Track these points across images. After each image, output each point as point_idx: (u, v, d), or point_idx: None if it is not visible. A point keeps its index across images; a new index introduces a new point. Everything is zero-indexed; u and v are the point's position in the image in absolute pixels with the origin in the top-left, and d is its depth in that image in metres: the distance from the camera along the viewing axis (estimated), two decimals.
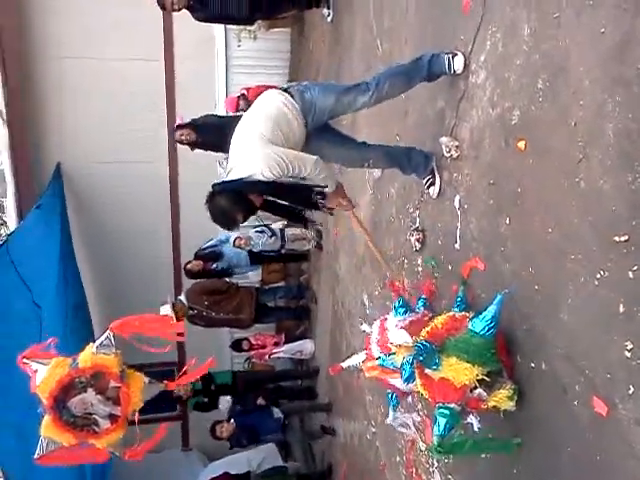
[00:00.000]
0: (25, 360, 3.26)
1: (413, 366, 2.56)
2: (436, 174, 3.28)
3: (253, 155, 2.94)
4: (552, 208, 2.32)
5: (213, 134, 5.37)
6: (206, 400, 6.28)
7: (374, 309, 4.41)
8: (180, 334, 4.02)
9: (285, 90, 3.11)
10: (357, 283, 4.94)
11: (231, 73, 6.94)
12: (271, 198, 3.26)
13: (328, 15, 5.58)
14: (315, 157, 3.02)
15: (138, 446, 3.39)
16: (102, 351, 3.22)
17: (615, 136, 1.99)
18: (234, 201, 2.97)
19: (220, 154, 5.08)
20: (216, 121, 5.64)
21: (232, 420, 5.86)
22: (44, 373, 3.15)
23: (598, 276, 2.06)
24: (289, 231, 6.57)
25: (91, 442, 3.18)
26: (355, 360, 3.18)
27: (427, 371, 2.55)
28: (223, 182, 3.05)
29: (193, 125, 5.57)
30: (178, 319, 6.05)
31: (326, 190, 3.20)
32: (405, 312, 2.88)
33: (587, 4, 2.10)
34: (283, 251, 6.49)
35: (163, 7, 5.39)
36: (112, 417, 3.20)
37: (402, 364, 2.62)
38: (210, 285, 6.26)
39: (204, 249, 6.51)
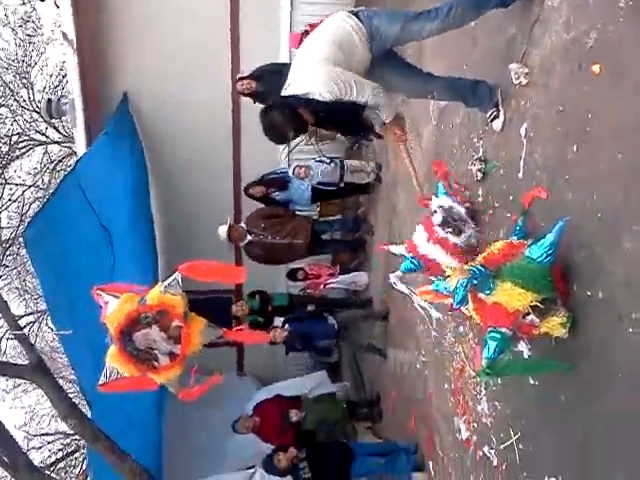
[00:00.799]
0: (99, 292, 3.49)
1: (467, 289, 2.60)
2: (500, 107, 3.21)
3: (312, 74, 2.96)
4: (624, 133, 2.26)
5: (274, 80, 5.42)
6: (261, 320, 6.47)
7: None
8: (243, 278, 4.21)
9: (354, 14, 3.07)
10: (415, 216, 4.94)
11: (296, 2, 6.84)
12: (324, 115, 3.23)
13: None
14: (375, 84, 3.02)
15: (192, 388, 3.64)
16: (170, 291, 3.42)
17: None
18: (287, 117, 3.03)
19: None
20: (275, 67, 5.71)
21: (286, 325, 5.97)
22: (114, 306, 3.37)
23: None
24: (348, 162, 6.56)
25: (150, 376, 3.42)
26: (398, 250, 3.39)
27: (480, 295, 2.59)
28: (279, 97, 3.09)
29: (253, 76, 5.68)
30: (233, 242, 6.28)
31: (383, 119, 3.21)
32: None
33: None
34: (342, 184, 6.50)
35: None
36: (172, 355, 3.41)
37: (456, 287, 2.66)
38: (268, 210, 6.39)
39: (271, 174, 6.60)
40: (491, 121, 3.30)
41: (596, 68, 2.43)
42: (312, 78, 2.95)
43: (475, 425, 3.69)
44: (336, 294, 7.54)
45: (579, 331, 2.51)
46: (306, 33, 5.99)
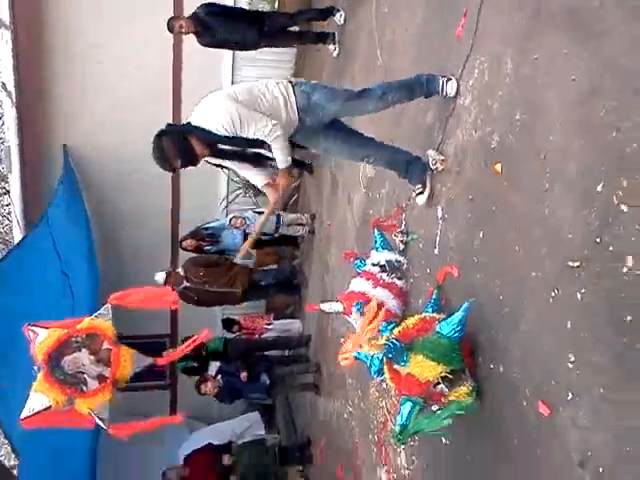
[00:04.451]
0: (30, 327, 3.52)
1: (383, 362, 2.86)
2: (427, 185, 3.43)
3: (214, 108, 3.07)
4: (520, 229, 2.58)
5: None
6: (196, 365, 6.49)
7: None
8: (174, 303, 4.27)
9: (292, 85, 3.24)
10: (345, 273, 5.20)
11: (237, 65, 7.10)
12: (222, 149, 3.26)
13: (334, 50, 5.78)
14: (275, 122, 3.08)
15: (126, 424, 3.63)
16: (100, 317, 3.50)
17: (577, 173, 2.24)
18: (177, 146, 3.04)
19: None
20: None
21: (219, 377, 6.01)
22: (44, 334, 3.40)
23: (553, 294, 2.33)
24: (284, 215, 6.81)
25: (77, 401, 3.42)
26: (334, 307, 3.78)
27: (395, 366, 2.84)
28: (175, 124, 3.19)
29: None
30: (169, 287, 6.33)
31: (279, 165, 3.27)
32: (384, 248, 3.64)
33: (563, 52, 2.34)
34: (277, 235, 6.73)
35: (171, 30, 5.49)
36: (101, 378, 3.42)
37: (372, 358, 2.92)
38: (207, 259, 6.52)
39: (205, 228, 6.75)
40: (416, 196, 3.52)
41: (498, 167, 2.76)
42: (212, 111, 3.06)
43: (395, 476, 3.91)
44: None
45: (483, 400, 2.78)
46: None
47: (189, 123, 3.10)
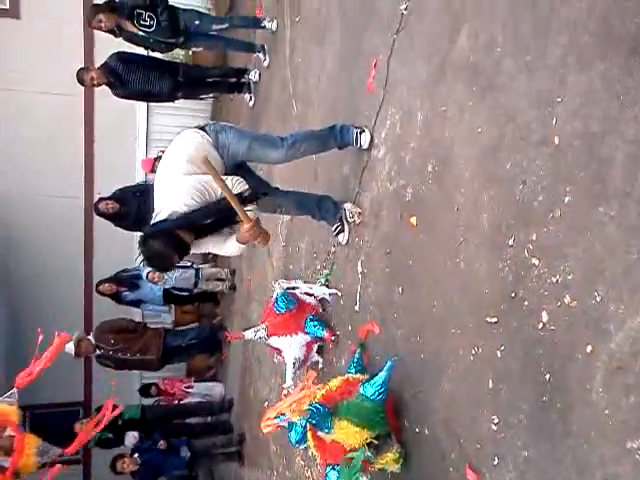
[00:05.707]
0: None
1: (306, 429, 2.66)
2: (344, 222, 3.37)
3: (175, 192, 2.91)
4: (437, 283, 2.50)
5: (134, 200, 5.64)
6: (111, 436, 6.00)
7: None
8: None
9: (201, 128, 3.12)
10: None
11: (152, 114, 6.97)
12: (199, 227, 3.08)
13: (250, 99, 5.79)
14: (236, 177, 2.99)
15: None
16: (5, 401, 3.15)
17: (489, 226, 2.19)
18: (167, 242, 2.86)
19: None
20: (135, 188, 5.93)
21: (136, 455, 5.59)
22: None
23: (473, 352, 2.24)
24: (203, 270, 6.57)
25: None
26: (258, 334, 3.63)
27: (320, 433, 2.65)
28: (153, 224, 2.95)
29: (115, 197, 5.78)
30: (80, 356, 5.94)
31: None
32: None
33: (469, 104, 2.32)
34: (196, 290, 6.47)
35: (82, 83, 5.29)
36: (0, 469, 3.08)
37: (294, 426, 2.71)
38: (117, 325, 6.10)
39: (125, 272, 6.43)
40: (336, 235, 3.43)
41: (413, 220, 2.70)
42: (175, 195, 2.89)
43: None
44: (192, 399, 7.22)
45: (410, 465, 2.63)
46: (159, 158, 6.08)
47: (166, 219, 2.89)
